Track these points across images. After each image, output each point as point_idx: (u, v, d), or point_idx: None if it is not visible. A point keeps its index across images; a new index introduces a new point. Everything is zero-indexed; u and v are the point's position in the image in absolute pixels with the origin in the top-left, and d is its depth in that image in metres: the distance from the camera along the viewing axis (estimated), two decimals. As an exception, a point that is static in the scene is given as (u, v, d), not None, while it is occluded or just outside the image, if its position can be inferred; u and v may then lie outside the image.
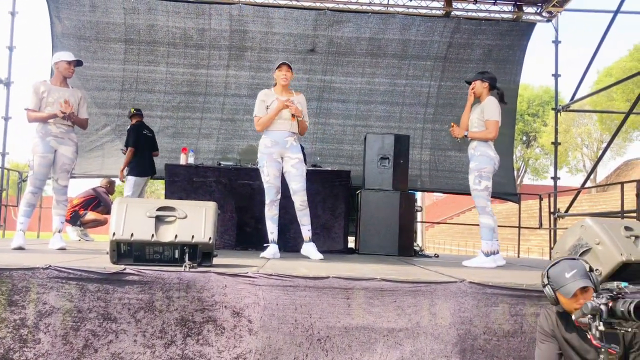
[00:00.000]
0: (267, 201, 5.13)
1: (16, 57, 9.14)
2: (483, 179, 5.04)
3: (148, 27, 8.87)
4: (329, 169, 7.25)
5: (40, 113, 4.94)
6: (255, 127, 5.19)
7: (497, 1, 9.04)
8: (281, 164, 5.14)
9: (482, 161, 5.04)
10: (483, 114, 5.04)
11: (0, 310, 3.09)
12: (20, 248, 4.68)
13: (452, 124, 5.17)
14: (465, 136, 5.09)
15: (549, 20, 9.12)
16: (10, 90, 9.00)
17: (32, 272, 3.13)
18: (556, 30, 9.21)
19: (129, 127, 7.67)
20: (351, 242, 7.16)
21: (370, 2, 9.08)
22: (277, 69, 5.22)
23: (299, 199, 5.14)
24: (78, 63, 5.16)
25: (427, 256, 6.91)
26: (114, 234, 3.38)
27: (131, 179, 7.38)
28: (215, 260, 3.59)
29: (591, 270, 2.67)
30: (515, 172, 12.13)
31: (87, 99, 5.38)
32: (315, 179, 6.68)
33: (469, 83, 5.24)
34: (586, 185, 10.40)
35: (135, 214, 3.44)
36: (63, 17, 8.77)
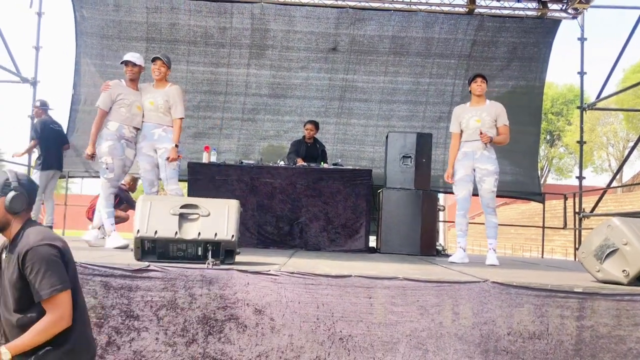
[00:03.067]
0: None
1: (42, 57, 9.29)
2: (497, 181, 5.28)
3: (170, 25, 8.92)
4: (350, 167, 7.23)
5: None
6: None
7: (522, -2, 8.91)
8: (154, 157, 5.20)
9: (497, 164, 5.26)
10: (497, 119, 5.23)
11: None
12: (127, 246, 4.85)
13: (479, 130, 5.17)
14: (491, 140, 5.16)
15: (574, 17, 8.95)
16: (36, 89, 9.15)
17: (57, 268, 3.15)
18: (582, 28, 9.04)
19: (35, 120, 7.69)
20: (372, 241, 7.12)
21: (392, 0, 9.02)
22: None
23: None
24: (126, 63, 5.17)
25: (449, 256, 6.84)
26: (138, 231, 3.40)
27: (36, 173, 7.38)
28: (237, 258, 3.60)
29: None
30: (539, 172, 11.96)
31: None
32: (336, 177, 6.68)
33: (474, 79, 5.35)
34: (612, 185, 10.21)
35: (159, 211, 3.46)
36: (87, 16, 8.87)
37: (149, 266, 3.22)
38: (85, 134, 8.23)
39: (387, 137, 6.99)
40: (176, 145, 5.09)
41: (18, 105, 45.93)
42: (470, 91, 5.42)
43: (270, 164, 6.87)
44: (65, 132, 7.97)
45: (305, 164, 6.90)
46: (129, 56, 5.19)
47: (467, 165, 5.26)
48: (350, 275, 3.24)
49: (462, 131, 5.36)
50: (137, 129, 5.18)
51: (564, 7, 8.92)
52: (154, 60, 5.20)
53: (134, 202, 7.49)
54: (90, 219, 7.82)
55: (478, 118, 5.22)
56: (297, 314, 3.18)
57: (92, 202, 7.68)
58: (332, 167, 6.92)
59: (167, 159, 5.04)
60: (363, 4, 8.97)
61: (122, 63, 5.18)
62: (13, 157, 7.83)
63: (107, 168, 5.00)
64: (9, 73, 8.94)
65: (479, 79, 5.27)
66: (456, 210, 5.40)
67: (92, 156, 5.05)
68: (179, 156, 5.13)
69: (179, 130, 5.14)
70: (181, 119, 5.18)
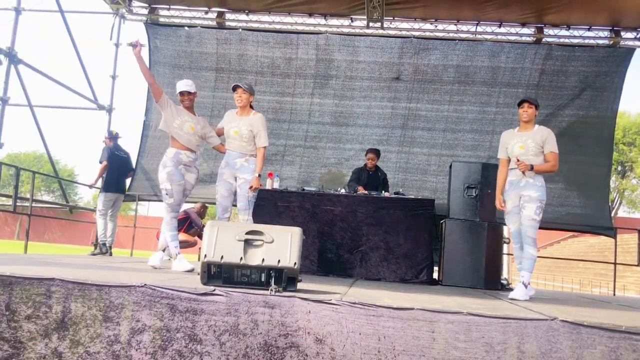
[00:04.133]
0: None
1: (118, 85, 9.79)
2: (541, 210, 4.94)
3: (238, 56, 9.23)
4: (412, 196, 7.17)
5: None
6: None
7: (592, 27, 8.68)
8: (233, 184, 5.35)
9: (543, 192, 4.95)
10: (544, 145, 4.96)
11: (96, 325, 3.25)
12: (192, 270, 4.98)
13: (516, 157, 4.96)
14: (532, 169, 4.90)
15: (649, 46, 8.65)
16: (112, 116, 9.64)
17: (129, 290, 3.27)
18: (657, 56, 8.71)
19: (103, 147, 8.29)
20: (434, 273, 7.00)
21: (457, 30, 9.00)
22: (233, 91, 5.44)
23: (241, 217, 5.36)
24: (181, 93, 5.28)
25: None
26: (205, 255, 3.49)
27: (101, 195, 8.04)
28: (299, 285, 3.63)
29: None
30: (610, 204, 11.49)
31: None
32: (398, 206, 6.63)
33: (520, 104, 5.09)
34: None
35: (225, 237, 3.54)
36: (160, 46, 9.32)
37: (214, 290, 3.29)
38: (154, 158, 8.61)
39: (450, 166, 6.90)
40: (259, 175, 5.24)
41: (95, 131, 48.27)
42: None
43: (332, 192, 6.91)
44: (135, 157, 8.40)
45: (366, 192, 6.90)
46: (183, 85, 5.29)
47: (514, 195, 5.02)
48: (412, 308, 3.19)
49: (509, 158, 5.15)
50: (193, 152, 5.30)
51: (638, 36, 8.63)
52: (234, 88, 5.37)
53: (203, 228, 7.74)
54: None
55: (522, 144, 4.98)
56: (358, 345, 3.16)
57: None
58: (393, 196, 6.88)
59: (250, 188, 5.20)
60: (427, 33, 8.99)
61: (182, 94, 5.26)
62: (90, 187, 8.48)
63: (167, 194, 5.16)
64: (88, 101, 9.47)
65: (525, 104, 5.02)
66: (513, 244, 5.15)
67: None
68: (260, 185, 5.33)
69: (262, 158, 5.30)
70: (264, 147, 5.34)
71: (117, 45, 9.69)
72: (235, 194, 5.37)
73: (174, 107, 5.25)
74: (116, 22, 9.56)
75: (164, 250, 5.46)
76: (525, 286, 4.86)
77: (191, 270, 4.99)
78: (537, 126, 5.10)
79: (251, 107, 5.47)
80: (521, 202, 4.97)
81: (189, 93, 5.28)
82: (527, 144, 4.98)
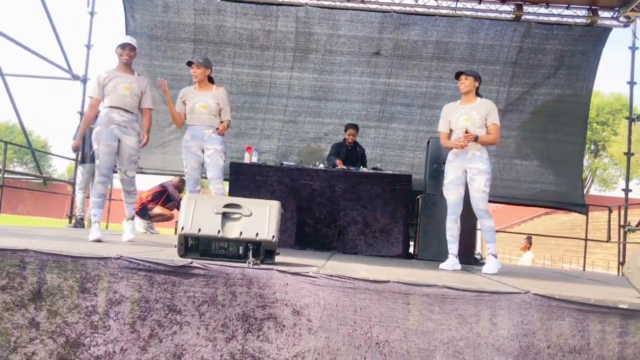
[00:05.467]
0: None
1: (93, 55, 9.59)
2: (490, 182, 4.97)
3: (216, 27, 9.08)
4: (390, 172, 7.21)
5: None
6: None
7: (571, 5, 8.73)
8: (201, 156, 5.35)
9: (489, 165, 4.97)
10: (487, 117, 4.96)
11: (73, 296, 3.25)
12: (99, 241, 4.65)
13: (465, 129, 4.90)
14: (476, 140, 4.88)
15: (626, 26, 8.74)
16: (86, 86, 9.45)
17: (105, 261, 3.27)
18: (634, 36, 8.81)
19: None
20: (410, 247, 7.10)
21: (437, 6, 8.97)
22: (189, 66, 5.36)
23: (213, 187, 5.34)
24: (127, 46, 5.07)
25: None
26: (182, 228, 3.49)
27: (79, 168, 7.86)
28: (276, 258, 3.66)
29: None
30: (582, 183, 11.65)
31: (154, 91, 5.52)
32: (376, 181, 6.68)
33: (457, 76, 5.08)
34: (660, 199, 9.90)
35: (203, 209, 3.54)
36: (137, 16, 9.12)
37: (191, 263, 3.30)
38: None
39: (428, 142, 6.96)
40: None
41: (68, 101, 47.39)
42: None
43: (310, 167, 6.92)
44: None
45: (344, 167, 6.92)
46: (128, 39, 5.17)
47: (458, 166, 4.99)
48: (388, 281, 3.24)
49: (451, 130, 5.11)
50: (129, 112, 5.08)
51: (615, 15, 8.72)
52: (189, 64, 5.33)
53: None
54: (137, 214, 8.11)
55: (467, 116, 4.95)
56: (335, 316, 3.21)
57: (139, 198, 7.91)
58: (371, 171, 6.92)
59: (217, 129, 5.28)
60: (408, 8, 8.95)
61: (124, 47, 5.07)
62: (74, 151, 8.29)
63: (95, 155, 5.05)
64: (61, 70, 9.27)
65: (462, 76, 5.01)
66: (447, 214, 5.10)
67: None
68: (225, 128, 5.38)
69: (228, 126, 5.45)
70: (229, 121, 5.46)
71: (91, 13, 9.45)
72: (202, 165, 5.37)
73: (108, 73, 5.07)
74: (91, -11, 9.32)
75: (132, 219, 5.35)
76: (495, 257, 4.96)
77: (99, 241, 4.64)
78: (480, 98, 5.06)
79: (211, 79, 5.43)
80: (469, 175, 4.96)
81: (132, 49, 5.10)
82: (472, 115, 4.95)
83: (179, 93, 5.45)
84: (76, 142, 6.86)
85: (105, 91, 5.03)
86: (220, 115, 5.38)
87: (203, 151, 5.35)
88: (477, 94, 5.10)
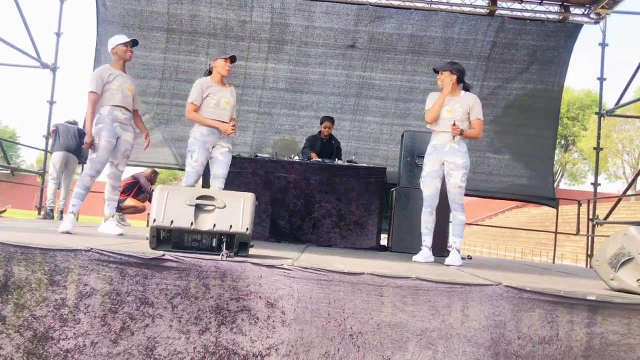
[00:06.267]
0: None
1: (62, 43, 9.37)
2: (467, 177, 5.05)
3: (190, 17, 8.95)
4: (364, 165, 7.24)
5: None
6: (187, 115, 5.16)
7: (544, 1, 8.85)
8: (210, 152, 5.16)
9: (467, 159, 5.03)
10: (470, 111, 4.99)
11: (42, 289, 3.18)
12: (68, 233, 4.57)
13: (453, 121, 4.92)
14: (461, 133, 4.91)
15: (596, 22, 8.89)
16: (56, 75, 9.25)
17: (74, 253, 3.20)
18: (603, 33, 8.98)
19: None
20: (384, 240, 7.14)
21: (413, -1, 8.99)
22: (224, 59, 5.11)
23: (218, 184, 5.17)
24: (134, 43, 5.16)
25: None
26: (154, 220, 3.44)
27: (51, 157, 8.02)
28: (250, 251, 3.63)
29: None
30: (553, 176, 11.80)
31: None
32: (350, 174, 6.70)
33: (437, 72, 5.09)
34: (627, 193, 10.13)
35: (175, 201, 3.50)
36: (109, 4, 8.93)
37: (163, 255, 3.26)
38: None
39: (402, 135, 6.99)
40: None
41: (37, 90, 46.35)
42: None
43: (285, 159, 6.89)
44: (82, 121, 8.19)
45: (319, 159, 6.92)
46: (127, 37, 5.19)
47: (436, 159, 5.03)
48: (362, 273, 3.25)
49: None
50: (129, 110, 5.13)
51: (586, 12, 8.86)
52: (233, 59, 5.13)
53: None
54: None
55: (450, 109, 4.98)
56: (309, 309, 3.21)
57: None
58: (346, 164, 6.93)
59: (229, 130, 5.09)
60: (383, 1, 8.95)
61: (127, 44, 5.13)
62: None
63: (93, 148, 4.99)
64: (30, 58, 9.04)
65: (438, 74, 5.05)
66: (423, 207, 5.14)
67: None
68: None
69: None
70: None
71: (61, 0, 9.23)
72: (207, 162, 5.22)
73: (111, 71, 5.08)
74: (61, -24, 9.10)
75: (113, 217, 5.31)
76: (459, 251, 5.00)
77: (68, 233, 4.58)
78: (464, 92, 5.08)
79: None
80: (446, 169, 5.00)
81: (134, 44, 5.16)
82: (454, 108, 4.98)
83: (199, 83, 5.10)
84: (89, 138, 6.36)
85: (109, 89, 5.00)
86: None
87: (214, 148, 5.16)
88: (465, 88, 5.12)
